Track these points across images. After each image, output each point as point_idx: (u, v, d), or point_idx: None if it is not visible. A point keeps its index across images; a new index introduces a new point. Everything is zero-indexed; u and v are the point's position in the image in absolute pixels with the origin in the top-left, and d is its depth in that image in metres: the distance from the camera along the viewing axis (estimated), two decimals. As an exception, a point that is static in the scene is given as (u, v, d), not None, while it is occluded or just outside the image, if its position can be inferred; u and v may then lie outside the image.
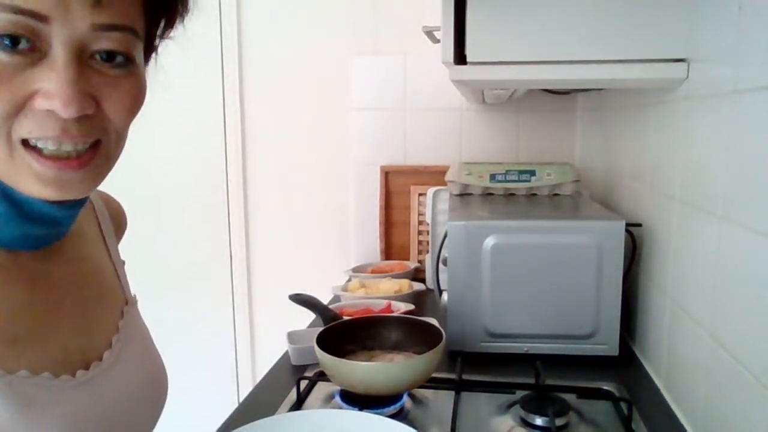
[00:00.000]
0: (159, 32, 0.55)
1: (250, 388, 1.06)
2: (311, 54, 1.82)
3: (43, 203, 0.50)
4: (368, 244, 1.82)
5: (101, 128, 0.49)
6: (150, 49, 0.56)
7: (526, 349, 1.12)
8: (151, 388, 0.64)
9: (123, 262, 0.70)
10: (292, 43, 1.82)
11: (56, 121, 0.45)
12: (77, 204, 0.55)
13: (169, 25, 0.55)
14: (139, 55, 0.51)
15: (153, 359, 0.67)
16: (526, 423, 0.89)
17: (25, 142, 0.46)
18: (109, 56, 0.47)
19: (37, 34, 0.43)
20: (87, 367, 0.55)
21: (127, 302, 0.66)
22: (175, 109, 1.86)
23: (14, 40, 0.43)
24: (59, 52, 0.44)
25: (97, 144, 0.49)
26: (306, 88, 1.84)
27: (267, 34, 1.83)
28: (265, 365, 1.32)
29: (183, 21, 0.56)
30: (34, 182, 0.47)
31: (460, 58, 0.95)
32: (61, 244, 0.58)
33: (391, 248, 1.81)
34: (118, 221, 0.73)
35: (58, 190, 0.47)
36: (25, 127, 0.45)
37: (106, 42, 0.46)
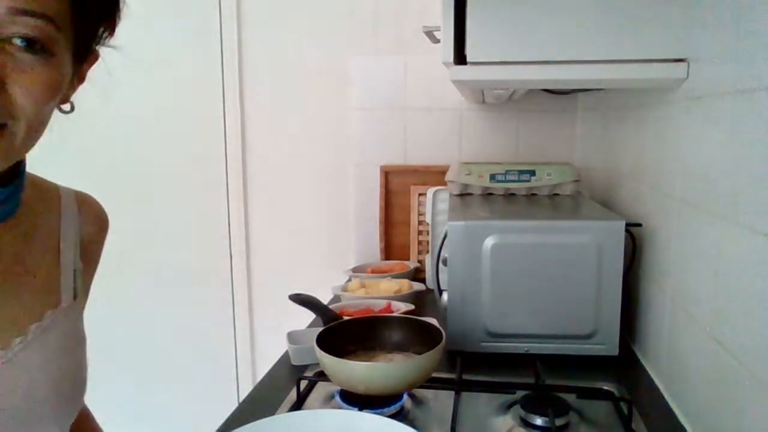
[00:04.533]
0: (98, 37, 0.56)
1: (250, 388, 1.06)
2: (311, 54, 1.82)
3: None
4: (368, 244, 1.82)
5: (6, 112, 0.49)
6: (87, 53, 0.56)
7: (526, 349, 1.12)
8: (51, 397, 0.60)
9: (80, 269, 0.67)
10: (292, 43, 1.82)
11: None
12: (2, 190, 0.55)
13: (109, 31, 0.56)
14: (60, 49, 0.51)
15: (67, 372, 0.63)
16: (526, 423, 0.89)
17: None
18: (28, 43, 0.48)
19: None
20: None
21: (57, 306, 0.63)
22: (175, 109, 1.86)
23: None
24: None
25: (2, 127, 0.49)
26: (306, 88, 1.84)
27: (267, 34, 1.83)
28: (265, 365, 1.32)
29: (115, 25, 0.57)
30: None
31: (460, 58, 0.95)
32: None
33: (391, 248, 1.81)
34: (95, 224, 0.71)
35: None
36: None
37: (22, 27, 0.47)
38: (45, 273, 0.63)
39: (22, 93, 0.49)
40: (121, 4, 0.57)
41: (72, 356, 0.64)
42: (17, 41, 0.48)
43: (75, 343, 0.65)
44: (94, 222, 0.71)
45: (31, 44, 0.48)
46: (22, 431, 0.58)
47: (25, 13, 0.47)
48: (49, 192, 0.67)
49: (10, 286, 0.59)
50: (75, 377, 0.64)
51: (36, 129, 0.52)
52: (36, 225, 0.63)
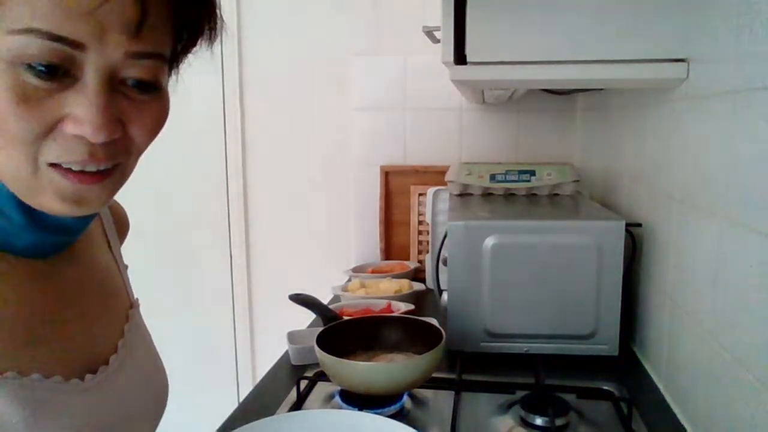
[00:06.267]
0: (180, 49, 0.57)
1: (250, 388, 1.06)
2: (311, 54, 1.82)
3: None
4: (368, 244, 1.82)
5: (125, 150, 0.50)
6: (172, 66, 0.57)
7: (526, 349, 1.12)
8: (154, 393, 0.64)
9: (126, 266, 0.71)
10: (292, 43, 1.82)
11: (84, 145, 0.45)
12: (91, 214, 0.55)
13: (192, 43, 0.57)
14: (165, 79, 0.52)
15: (155, 364, 0.67)
16: (526, 423, 0.89)
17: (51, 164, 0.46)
18: (139, 83, 0.48)
19: (71, 61, 0.43)
20: (94, 372, 0.55)
21: (131, 306, 0.67)
22: (174, 108, 1.86)
23: (49, 68, 0.43)
24: (91, 78, 0.44)
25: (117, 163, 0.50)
26: (306, 88, 1.84)
27: (267, 33, 1.83)
28: (265, 365, 1.32)
29: (211, 45, 0.58)
30: (54, 199, 0.47)
31: (460, 58, 0.95)
32: (70, 247, 0.59)
33: (391, 248, 1.81)
34: (122, 226, 0.74)
35: (76, 205, 0.48)
36: (53, 152, 0.45)
37: (136, 69, 0.47)
38: (114, 275, 0.66)
39: (139, 132, 0.50)
40: (217, 29, 0.57)
41: (153, 346, 0.69)
42: (131, 82, 0.48)
43: (150, 338, 0.70)
44: (118, 221, 0.73)
45: (142, 83, 0.48)
46: (156, 424, 0.64)
47: (141, 56, 0.47)
48: None
49: (98, 294, 0.61)
50: (161, 363, 0.69)
51: (139, 158, 0.54)
52: (92, 232, 0.65)
